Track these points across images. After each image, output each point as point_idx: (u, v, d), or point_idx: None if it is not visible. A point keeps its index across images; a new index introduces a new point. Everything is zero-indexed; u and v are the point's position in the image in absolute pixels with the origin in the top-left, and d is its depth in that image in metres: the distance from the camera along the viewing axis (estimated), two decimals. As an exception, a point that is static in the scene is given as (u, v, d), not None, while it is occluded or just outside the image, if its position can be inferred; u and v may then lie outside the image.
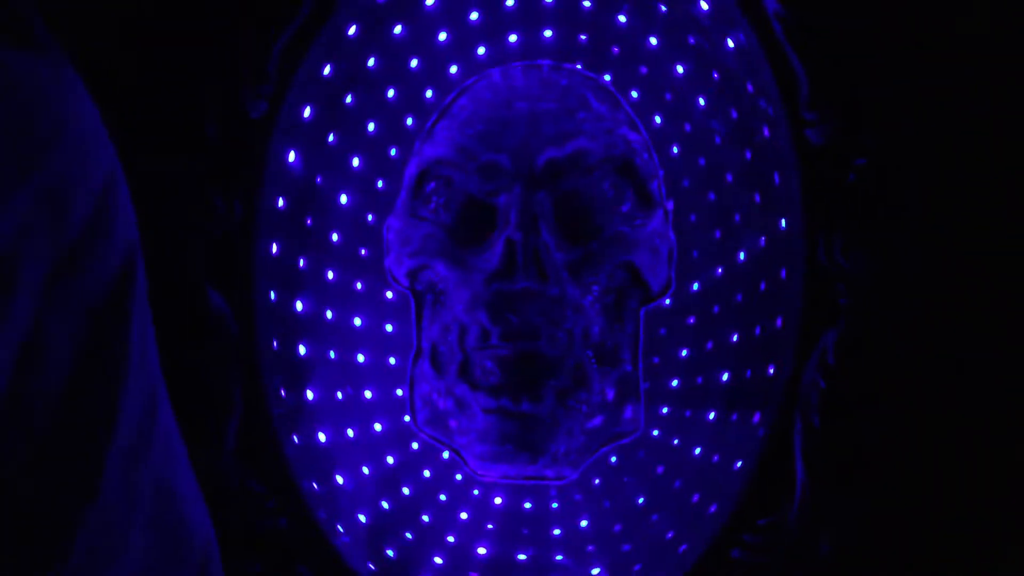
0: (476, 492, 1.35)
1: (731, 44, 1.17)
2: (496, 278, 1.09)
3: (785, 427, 1.08)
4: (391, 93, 1.32)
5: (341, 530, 1.20)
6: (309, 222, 1.26)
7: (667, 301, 1.29)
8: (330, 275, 1.30)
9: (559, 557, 1.28)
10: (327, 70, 1.22)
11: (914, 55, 1.04)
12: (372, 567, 1.20)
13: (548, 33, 1.34)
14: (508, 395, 1.10)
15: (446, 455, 1.23)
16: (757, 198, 1.20)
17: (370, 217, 1.31)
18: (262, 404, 1.15)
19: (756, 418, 1.14)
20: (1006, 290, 1.05)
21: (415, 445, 1.32)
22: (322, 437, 1.24)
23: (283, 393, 1.19)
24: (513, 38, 1.34)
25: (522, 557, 1.31)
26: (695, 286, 1.28)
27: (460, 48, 1.34)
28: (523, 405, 1.09)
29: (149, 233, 1.11)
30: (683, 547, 1.16)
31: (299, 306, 1.25)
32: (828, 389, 1.04)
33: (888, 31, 1.04)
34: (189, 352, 1.10)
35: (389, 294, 1.32)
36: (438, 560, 1.27)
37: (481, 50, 1.34)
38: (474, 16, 1.33)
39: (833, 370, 1.04)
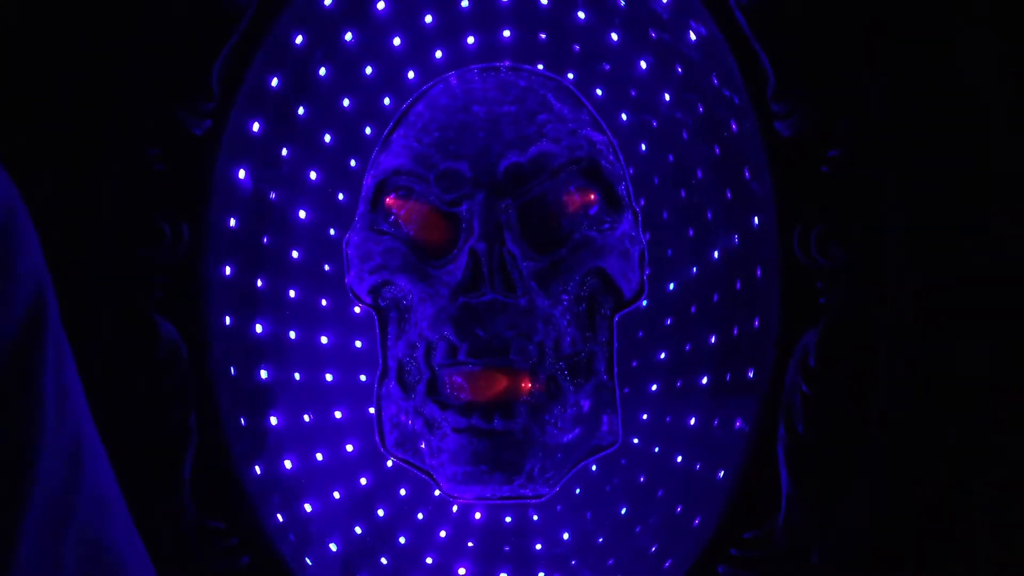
0: (455, 509, 1.31)
1: (693, 37, 1.12)
2: (461, 291, 1.05)
3: (768, 434, 1.04)
4: (346, 103, 1.27)
5: (310, 563, 1.15)
6: (265, 240, 1.21)
7: (643, 303, 1.25)
8: (292, 294, 1.25)
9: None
10: (274, 82, 1.17)
11: (884, 40, 1.00)
12: (344, 599, 1.15)
13: (507, 33, 1.29)
14: (479, 413, 1.05)
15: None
16: (728, 194, 1.16)
17: (332, 231, 1.26)
18: (219, 435, 1.10)
19: (738, 424, 1.10)
20: (994, 280, 1.01)
21: (389, 463, 1.27)
22: (288, 464, 1.19)
23: (243, 422, 1.14)
24: (471, 40, 1.30)
25: (503, 576, 1.26)
26: (671, 286, 1.24)
27: (416, 53, 1.29)
28: (495, 423, 1.05)
29: (93, 261, 1.07)
30: (668, 562, 1.12)
31: (258, 328, 1.20)
32: (811, 393, 1.00)
33: (855, 17, 1.00)
34: (140, 384, 1.05)
35: (357, 309, 1.27)
36: (416, 583, 1.22)
37: (439, 54, 1.29)
38: (428, 19, 1.28)
39: (815, 373, 1.00)
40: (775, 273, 1.06)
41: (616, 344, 1.12)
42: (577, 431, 1.09)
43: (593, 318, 1.10)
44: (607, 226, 1.09)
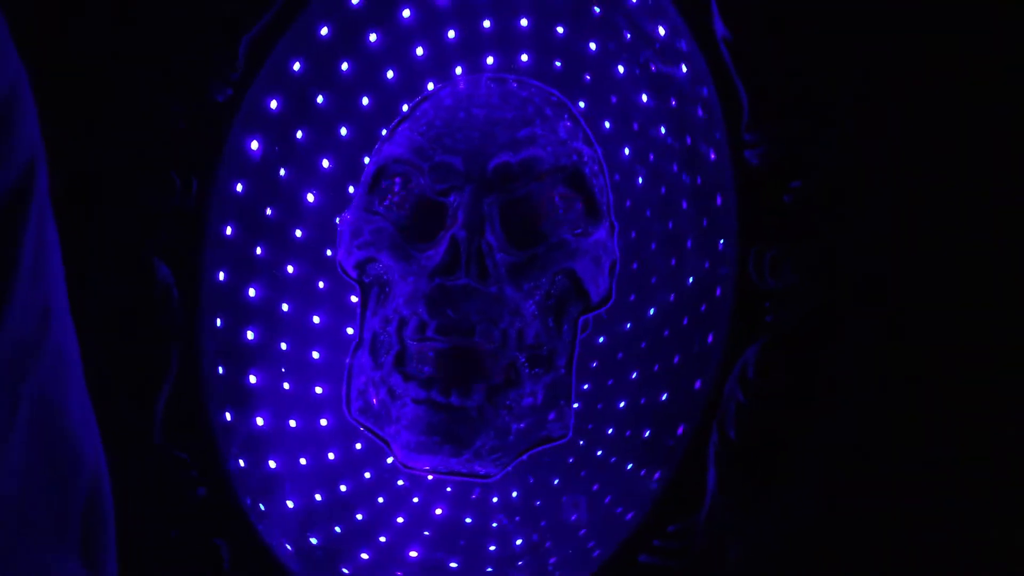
0: (416, 500, 1.36)
1: (684, 69, 1.20)
2: (438, 273, 1.12)
3: (703, 439, 1.09)
4: (365, 101, 1.36)
5: (263, 508, 1.21)
6: (270, 212, 1.29)
7: (627, 325, 1.31)
8: (290, 269, 1.33)
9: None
10: (297, 66, 1.27)
11: (854, 78, 1.07)
12: (289, 548, 1.20)
13: (524, 58, 1.38)
14: (439, 387, 1.12)
15: (391, 460, 1.24)
16: (705, 223, 1.22)
17: (337, 220, 1.33)
18: (196, 376, 1.17)
19: (680, 430, 1.15)
20: (923, 301, 1.07)
21: (359, 446, 1.33)
22: (260, 422, 1.26)
23: (221, 370, 1.22)
24: (490, 60, 1.38)
25: (453, 565, 1.31)
26: (651, 311, 1.30)
27: (436, 64, 1.37)
28: (452, 398, 1.11)
29: (109, 198, 1.17)
30: (597, 552, 1.16)
31: (251, 292, 1.28)
32: (746, 402, 1.05)
33: (829, 56, 1.08)
34: (131, 317, 1.13)
35: (354, 298, 1.34)
36: (364, 556, 1.27)
37: (459, 70, 1.37)
38: (451, 34, 1.37)
39: (752, 384, 1.05)
40: (730, 293, 1.12)
41: (579, 344, 1.18)
42: (529, 420, 1.14)
43: (559, 316, 1.16)
44: (580, 231, 1.16)
